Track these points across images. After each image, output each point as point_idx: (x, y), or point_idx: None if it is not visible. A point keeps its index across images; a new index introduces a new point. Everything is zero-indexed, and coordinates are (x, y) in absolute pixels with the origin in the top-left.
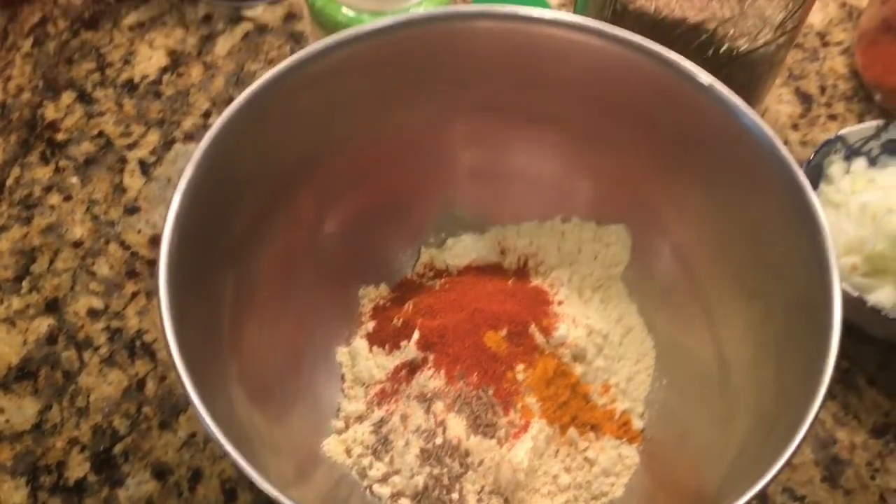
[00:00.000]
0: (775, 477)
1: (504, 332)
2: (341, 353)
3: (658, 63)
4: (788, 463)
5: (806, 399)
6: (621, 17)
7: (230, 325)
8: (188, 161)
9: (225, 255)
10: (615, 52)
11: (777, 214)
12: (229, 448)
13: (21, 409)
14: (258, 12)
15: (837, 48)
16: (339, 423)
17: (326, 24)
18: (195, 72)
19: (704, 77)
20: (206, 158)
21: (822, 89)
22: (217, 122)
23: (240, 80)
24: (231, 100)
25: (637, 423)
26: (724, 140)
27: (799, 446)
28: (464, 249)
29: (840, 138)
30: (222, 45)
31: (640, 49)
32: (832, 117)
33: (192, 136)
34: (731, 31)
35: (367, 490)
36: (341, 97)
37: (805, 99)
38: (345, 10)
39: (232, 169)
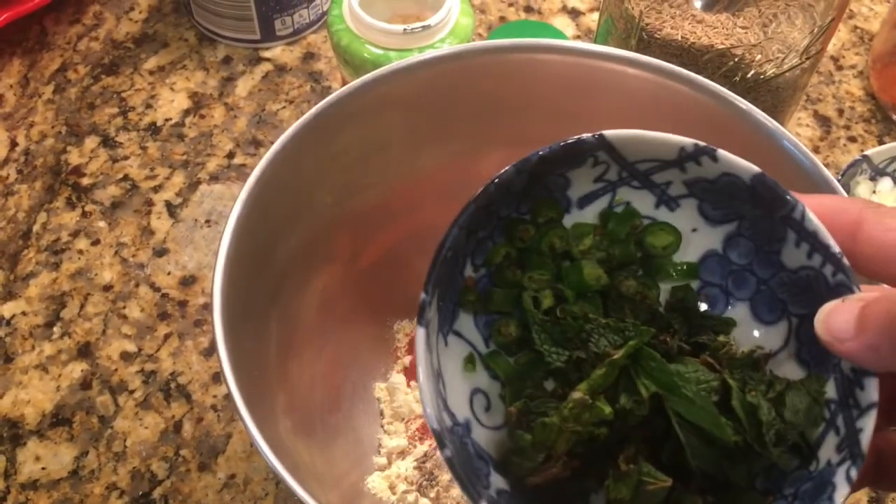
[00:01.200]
0: None
1: None
2: (379, 389)
3: (695, 90)
4: None
5: None
6: (647, 45)
7: (276, 361)
8: (230, 195)
9: (268, 292)
10: (649, 80)
11: None
12: (285, 474)
13: (57, 456)
14: (276, 52)
15: (852, 71)
16: (382, 460)
17: (352, 62)
18: (217, 113)
19: (741, 102)
20: (251, 199)
21: (840, 112)
22: (261, 163)
23: (261, 121)
24: (255, 140)
25: None
26: (764, 164)
27: None
28: None
29: (865, 158)
30: (243, 86)
31: (677, 77)
32: (852, 139)
33: (216, 177)
34: (758, 57)
35: None
36: (376, 135)
37: (824, 122)
38: (370, 47)
39: (273, 209)
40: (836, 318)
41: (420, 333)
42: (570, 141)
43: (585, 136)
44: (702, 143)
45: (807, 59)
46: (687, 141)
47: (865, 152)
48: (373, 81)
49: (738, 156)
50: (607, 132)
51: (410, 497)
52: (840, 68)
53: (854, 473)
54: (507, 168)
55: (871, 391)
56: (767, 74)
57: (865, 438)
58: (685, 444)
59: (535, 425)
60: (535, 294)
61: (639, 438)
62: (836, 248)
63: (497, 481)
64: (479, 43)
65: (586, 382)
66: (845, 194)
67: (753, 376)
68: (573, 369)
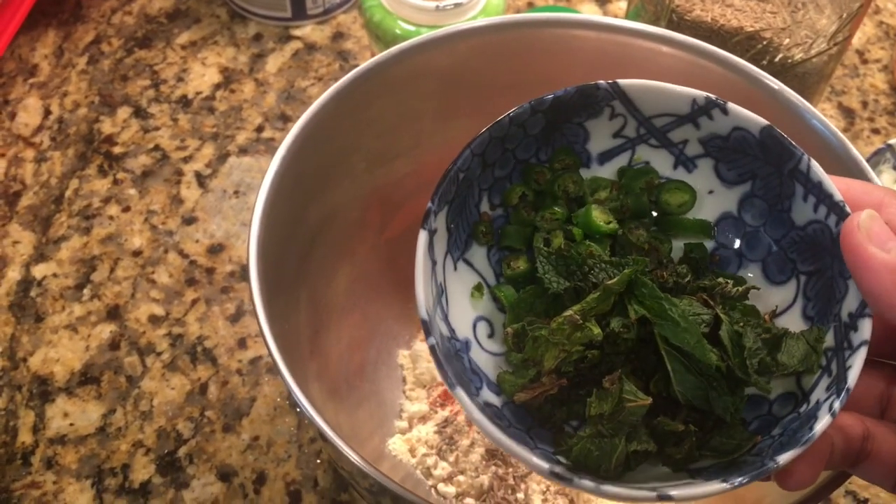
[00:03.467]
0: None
1: None
2: (402, 356)
3: (727, 69)
4: None
5: None
6: (677, 26)
7: (306, 327)
8: (258, 167)
9: (299, 256)
10: (681, 58)
11: None
12: (322, 423)
13: (85, 413)
14: (307, 31)
15: (877, 65)
16: (403, 424)
17: (384, 38)
18: (247, 88)
19: (772, 81)
20: (284, 163)
21: (864, 104)
22: (294, 128)
23: (290, 97)
24: (283, 115)
25: None
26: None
27: None
28: None
29: (889, 147)
30: (273, 63)
31: (710, 56)
32: (875, 131)
33: (245, 150)
34: (786, 41)
35: (432, 489)
36: (410, 104)
37: (848, 114)
38: (402, 23)
39: (307, 172)
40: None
41: (422, 236)
42: (585, 84)
43: (601, 81)
44: (713, 96)
45: (834, 45)
46: (699, 93)
47: (889, 141)
48: (410, 49)
49: None
50: (621, 80)
51: (430, 460)
52: (865, 62)
53: (837, 406)
54: (522, 104)
55: (864, 330)
56: (795, 59)
57: (853, 374)
58: (671, 371)
59: (526, 340)
60: (546, 235)
61: (628, 369)
62: (838, 197)
63: (487, 395)
64: (516, 16)
65: (580, 304)
66: (874, 175)
67: (750, 320)
68: (572, 298)
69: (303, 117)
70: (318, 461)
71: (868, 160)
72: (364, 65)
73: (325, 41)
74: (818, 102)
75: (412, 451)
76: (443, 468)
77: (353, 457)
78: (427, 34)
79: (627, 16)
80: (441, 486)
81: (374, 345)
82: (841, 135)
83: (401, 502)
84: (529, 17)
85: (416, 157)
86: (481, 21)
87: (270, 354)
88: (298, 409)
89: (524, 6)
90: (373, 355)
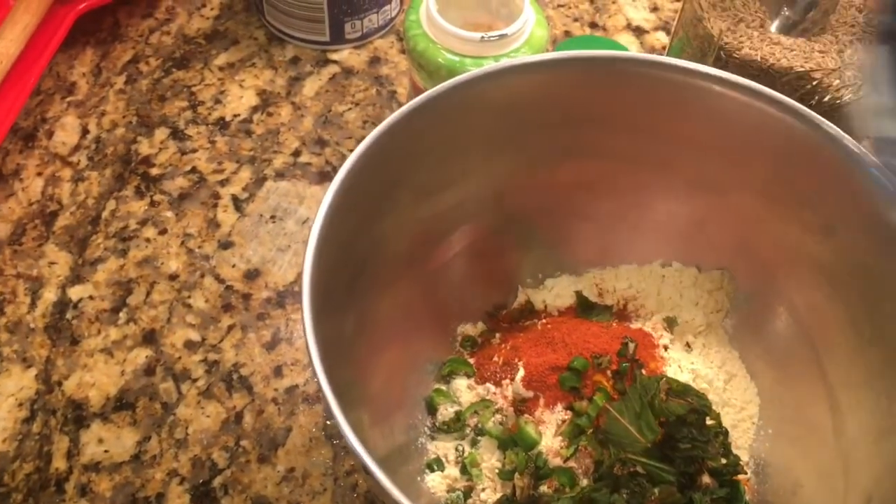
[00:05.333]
0: None
1: (609, 373)
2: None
3: (781, 110)
4: None
5: None
6: (725, 65)
7: (351, 358)
8: (295, 192)
9: (346, 285)
10: (734, 99)
11: None
12: (375, 468)
13: (120, 440)
14: (344, 55)
15: None
16: (441, 460)
17: (427, 67)
18: (284, 111)
19: (830, 127)
20: (338, 194)
21: None
22: (352, 157)
23: (327, 121)
24: (320, 140)
25: (745, 474)
26: (849, 189)
27: None
28: (563, 290)
29: None
30: (310, 87)
31: (762, 96)
32: None
33: (282, 174)
34: (836, 82)
35: None
36: (459, 139)
37: None
38: (446, 53)
39: (356, 205)
40: None
41: None
42: None
43: None
44: None
45: None
46: None
47: None
48: (463, 84)
49: (825, 178)
50: None
51: (469, 501)
52: None
53: None
54: None
55: None
56: (844, 100)
57: None
58: None
59: None
60: None
61: None
62: None
63: None
64: (569, 52)
65: None
66: None
67: None
68: None
69: (359, 148)
70: (355, 495)
71: None
72: (417, 99)
73: (362, 66)
74: (861, 141)
75: (450, 489)
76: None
77: (395, 493)
78: (480, 69)
79: (670, 50)
80: None
81: (412, 377)
82: None
83: None
84: (581, 55)
85: (461, 189)
86: (535, 57)
87: (318, 383)
88: (336, 441)
89: (562, 36)
90: (411, 387)
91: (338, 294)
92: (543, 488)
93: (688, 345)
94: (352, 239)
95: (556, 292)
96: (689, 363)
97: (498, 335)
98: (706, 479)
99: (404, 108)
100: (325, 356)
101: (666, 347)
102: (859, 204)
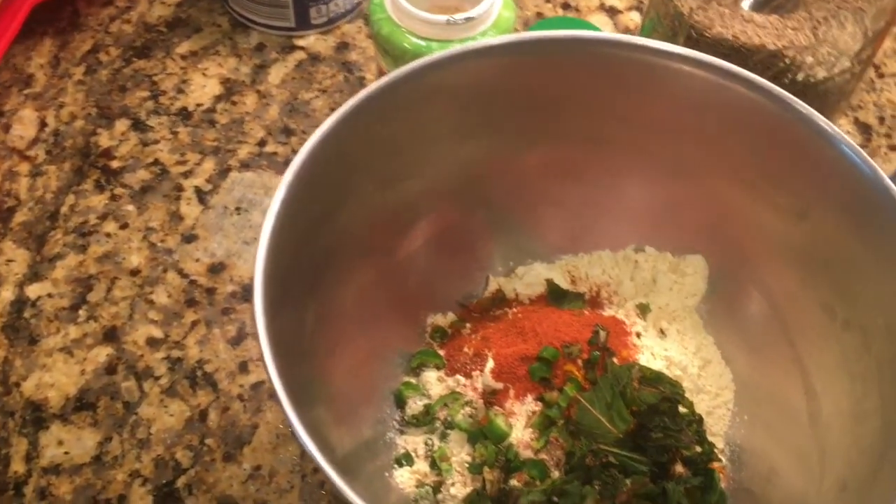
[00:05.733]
0: None
1: (580, 362)
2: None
3: (751, 89)
4: None
5: None
6: (696, 44)
7: (312, 350)
8: (260, 183)
9: (306, 278)
10: (704, 79)
11: (876, 245)
12: (327, 467)
13: (80, 441)
14: (310, 41)
15: (893, 79)
16: (410, 454)
17: (392, 52)
18: (249, 100)
19: (801, 105)
20: (293, 185)
21: (881, 120)
22: (304, 148)
23: (294, 109)
24: (286, 128)
25: (720, 461)
26: (821, 169)
27: None
28: (535, 278)
29: None
30: (275, 74)
31: (731, 75)
32: (892, 147)
33: (247, 165)
34: (809, 60)
35: None
36: (423, 125)
37: (864, 130)
38: (411, 37)
39: (316, 194)
40: None
41: None
42: None
43: None
44: None
45: (858, 64)
46: None
47: None
48: (424, 68)
49: (796, 159)
50: None
51: (439, 496)
52: (882, 76)
53: None
54: None
55: None
56: (817, 78)
57: None
58: None
59: None
60: None
61: None
62: None
63: None
64: (534, 34)
65: None
66: None
67: None
68: None
69: (313, 136)
70: (323, 492)
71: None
72: (376, 83)
73: (329, 52)
74: (837, 120)
75: (419, 484)
76: (451, 502)
77: (350, 495)
78: (442, 52)
79: (642, 30)
80: None
81: (380, 370)
82: (873, 163)
83: None
84: (547, 35)
85: (428, 178)
86: (498, 39)
87: (269, 377)
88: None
89: (533, 17)
90: (379, 381)
91: (297, 287)
92: (514, 481)
93: (662, 331)
94: (312, 229)
95: (528, 280)
96: (663, 350)
97: (468, 325)
98: (679, 468)
99: (363, 93)
100: (282, 353)
101: (639, 335)
102: (832, 185)
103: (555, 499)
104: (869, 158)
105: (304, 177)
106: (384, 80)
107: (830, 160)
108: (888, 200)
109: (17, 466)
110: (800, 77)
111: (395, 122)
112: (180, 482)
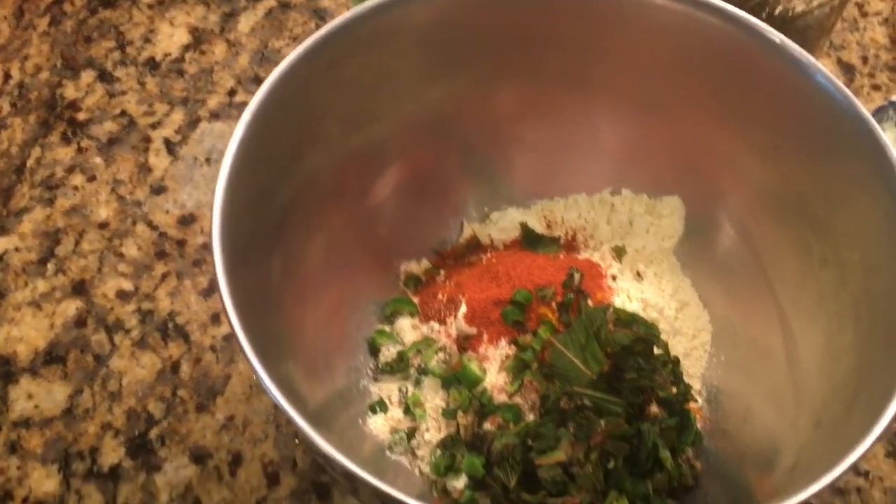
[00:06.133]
0: (875, 444)
1: (554, 305)
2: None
3: (724, 21)
4: (889, 429)
5: (894, 367)
6: None
7: (281, 301)
8: (231, 133)
9: (271, 227)
10: (676, 11)
11: (851, 177)
12: (298, 418)
13: (51, 394)
14: None
15: (877, 18)
16: (385, 402)
17: None
18: (218, 50)
19: (775, 35)
20: (251, 128)
21: (864, 60)
22: (261, 90)
23: (264, 58)
24: (257, 78)
25: (696, 401)
26: (794, 101)
27: None
28: (509, 223)
29: (892, 104)
30: (245, 23)
31: (704, 6)
32: (875, 87)
33: (217, 115)
34: None
35: (416, 469)
36: (387, 63)
37: (847, 70)
38: None
39: (276, 139)
40: None
41: None
42: None
43: None
44: None
45: None
46: None
47: (892, 98)
48: (387, 4)
49: (770, 92)
50: None
51: (413, 441)
52: (865, 15)
53: None
54: None
55: None
56: (796, 11)
57: None
58: None
59: None
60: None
61: None
62: None
63: None
64: None
65: None
66: (881, 131)
67: None
68: None
69: (270, 78)
70: (297, 441)
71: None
72: (336, 21)
73: None
74: (818, 58)
75: (393, 431)
76: (425, 447)
77: (324, 446)
78: None
79: None
80: (423, 467)
81: (353, 318)
82: (847, 91)
83: (376, 491)
84: None
85: (396, 120)
86: None
87: (234, 333)
88: None
89: None
90: (352, 329)
91: (261, 235)
92: (488, 425)
93: (638, 274)
94: (275, 174)
95: (502, 225)
96: (639, 292)
97: (443, 272)
98: (655, 409)
99: (324, 30)
100: (247, 305)
101: (614, 277)
102: (807, 117)
103: (529, 442)
104: (844, 87)
105: (265, 117)
106: (346, 15)
107: (805, 91)
108: (863, 130)
109: None
110: (777, 11)
111: (359, 61)
112: (153, 433)
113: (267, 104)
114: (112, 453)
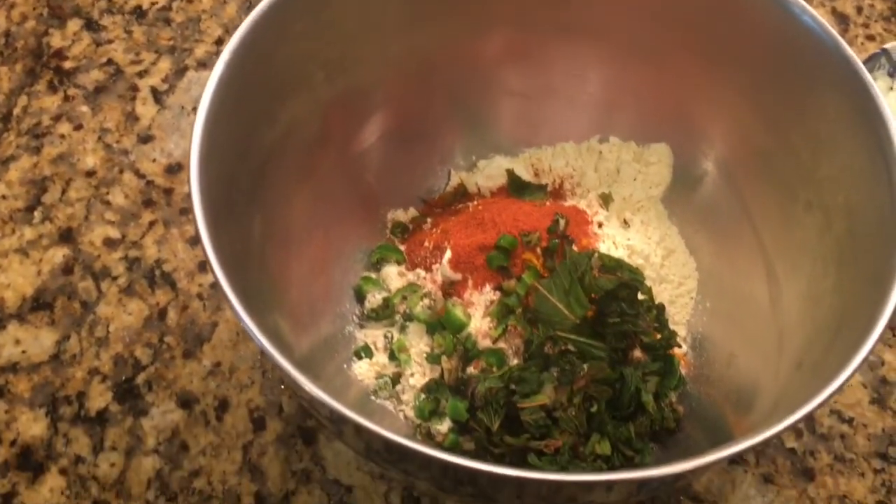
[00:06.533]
0: (850, 377)
1: (539, 250)
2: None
3: None
4: (864, 363)
5: (874, 304)
6: None
7: (264, 252)
8: (208, 80)
9: (252, 177)
10: None
11: (838, 120)
12: (284, 362)
13: (38, 340)
14: None
15: None
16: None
17: None
18: None
19: None
20: (230, 69)
21: (859, 10)
22: (239, 30)
23: (252, 6)
24: None
25: (681, 347)
26: (780, 43)
27: (874, 346)
28: (496, 170)
29: (885, 52)
30: None
31: None
32: (870, 38)
33: (205, 64)
34: None
35: (400, 413)
36: (369, 7)
37: (842, 20)
38: None
39: (256, 82)
40: None
41: None
42: None
43: None
44: None
45: None
46: None
47: (885, 46)
48: None
49: (757, 34)
50: None
51: (398, 386)
52: None
53: None
54: None
55: None
56: None
57: None
58: None
59: None
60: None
61: None
62: None
63: None
64: None
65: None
66: (867, 74)
67: None
68: None
69: (248, 20)
70: (283, 387)
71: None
72: None
73: None
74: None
75: (378, 376)
76: (410, 392)
77: (309, 387)
78: None
79: None
80: (408, 411)
81: (339, 265)
82: (833, 32)
83: (361, 431)
84: None
85: (382, 65)
86: None
87: (217, 280)
88: None
89: None
90: (338, 277)
91: (242, 187)
92: (471, 370)
93: (625, 221)
94: (257, 120)
95: (489, 173)
96: (625, 240)
97: (430, 220)
98: (638, 354)
99: None
100: (231, 254)
101: (600, 224)
102: (794, 59)
103: (512, 386)
104: (830, 28)
105: (244, 59)
106: None
107: (792, 32)
108: (849, 71)
109: None
110: None
111: (337, 4)
112: (140, 379)
113: (246, 45)
114: (99, 398)
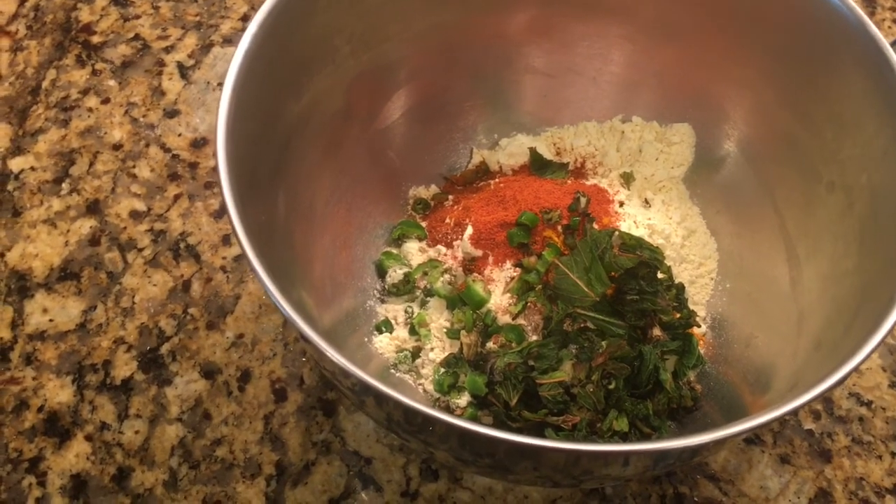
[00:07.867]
0: (868, 357)
1: (560, 228)
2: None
3: None
4: (882, 343)
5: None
6: None
7: (288, 225)
8: (233, 56)
9: (277, 150)
10: None
11: (861, 99)
12: (310, 332)
13: (65, 309)
14: None
15: None
16: (390, 321)
17: None
18: None
19: None
20: (257, 41)
21: None
22: (265, 6)
23: None
24: None
25: (700, 327)
26: (804, 22)
27: (894, 326)
28: (518, 148)
29: None
30: None
31: None
32: None
33: (230, 40)
34: None
35: (420, 387)
36: None
37: (869, 2)
38: None
39: (282, 55)
40: None
41: None
42: None
43: None
44: None
45: None
46: None
47: None
48: None
49: (780, 13)
50: None
51: (418, 360)
52: None
53: None
54: None
55: None
56: None
57: None
58: None
59: None
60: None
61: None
62: None
63: None
64: None
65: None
66: (893, 55)
67: None
68: None
69: None
70: (304, 359)
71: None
72: None
73: None
74: None
75: (398, 350)
76: (429, 366)
77: (334, 356)
78: None
79: None
80: (427, 385)
81: (361, 241)
82: (858, 10)
83: (384, 400)
84: None
85: (407, 41)
86: None
87: (244, 253)
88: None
89: None
90: (359, 252)
91: (268, 161)
92: (490, 345)
93: (646, 201)
94: (283, 93)
95: (511, 151)
96: (646, 219)
97: (451, 197)
98: (658, 332)
99: None
100: (257, 226)
101: (622, 203)
102: (817, 38)
103: (531, 362)
104: (855, 6)
105: (271, 32)
106: None
107: (816, 12)
108: (873, 50)
109: (3, 333)
110: None
111: None
112: (164, 349)
113: (272, 19)
114: (124, 367)
